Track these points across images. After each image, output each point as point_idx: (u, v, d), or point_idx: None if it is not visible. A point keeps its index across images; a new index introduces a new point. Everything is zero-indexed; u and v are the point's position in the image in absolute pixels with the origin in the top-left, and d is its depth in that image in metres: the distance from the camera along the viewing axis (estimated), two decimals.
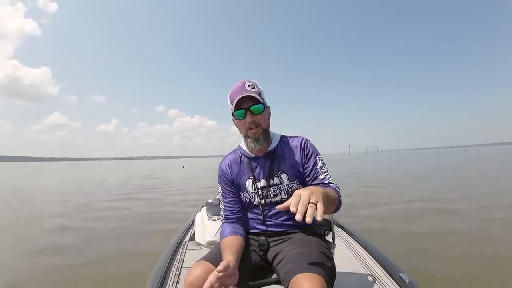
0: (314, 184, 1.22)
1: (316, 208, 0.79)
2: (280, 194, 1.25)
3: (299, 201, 0.81)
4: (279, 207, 0.84)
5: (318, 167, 1.25)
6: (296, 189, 1.23)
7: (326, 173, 1.24)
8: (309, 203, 0.80)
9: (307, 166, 1.25)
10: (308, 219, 0.76)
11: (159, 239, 3.94)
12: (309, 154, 1.27)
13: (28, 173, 32.43)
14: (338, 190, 1.19)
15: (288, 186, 1.24)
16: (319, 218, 0.78)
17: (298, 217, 0.76)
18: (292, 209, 0.79)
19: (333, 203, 1.08)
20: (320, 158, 1.28)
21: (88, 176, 22.50)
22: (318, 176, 1.23)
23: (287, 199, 1.19)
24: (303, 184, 1.26)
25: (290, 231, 1.25)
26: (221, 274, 0.87)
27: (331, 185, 1.21)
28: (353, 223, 3.14)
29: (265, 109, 1.24)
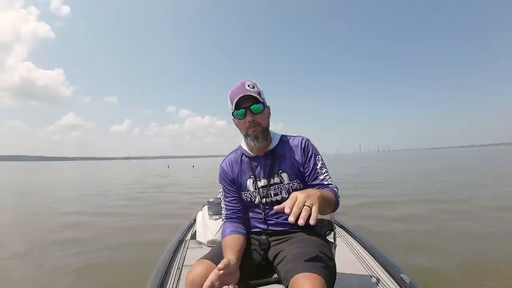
0: (314, 184, 1.23)
1: (311, 211, 0.81)
2: (281, 193, 1.25)
3: (295, 203, 0.83)
4: (276, 208, 0.87)
5: (318, 167, 1.26)
6: (297, 188, 1.24)
7: (325, 174, 1.25)
8: (304, 206, 0.82)
9: (307, 166, 1.26)
10: (301, 222, 0.78)
11: (168, 229, 4.35)
12: (310, 154, 1.27)
13: (47, 172, 34.27)
14: (336, 191, 1.21)
15: (289, 185, 1.25)
16: (312, 222, 0.79)
17: (291, 219, 0.79)
18: (286, 210, 0.81)
19: (330, 205, 1.11)
20: (320, 158, 1.29)
21: (103, 174, 24.84)
22: (318, 176, 1.24)
23: (288, 198, 1.20)
24: (304, 183, 1.26)
25: (291, 230, 1.25)
26: (221, 272, 0.88)
27: (329, 186, 1.22)
28: (355, 224, 3.14)
29: (265, 108, 1.25)
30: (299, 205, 0.82)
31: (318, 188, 1.22)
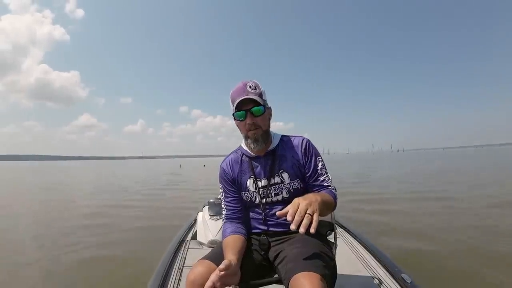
0: (314, 185, 1.24)
1: (312, 219, 0.86)
2: (282, 193, 1.25)
3: (296, 210, 0.87)
4: (278, 213, 0.92)
5: (318, 168, 1.26)
6: (297, 187, 1.25)
7: (325, 175, 1.26)
8: (306, 213, 0.87)
9: (307, 166, 1.26)
10: (302, 230, 0.83)
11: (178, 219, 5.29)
12: (310, 155, 1.28)
13: (66, 170, 36.61)
14: (335, 193, 1.23)
15: (289, 185, 1.25)
16: (312, 230, 0.84)
17: (293, 227, 0.84)
18: (289, 218, 0.85)
19: (329, 208, 1.14)
20: (320, 159, 1.29)
21: (119, 173, 26.97)
22: (318, 177, 1.25)
23: (288, 197, 1.21)
24: (304, 182, 1.27)
25: (291, 230, 1.26)
26: (223, 273, 0.88)
27: (329, 187, 1.23)
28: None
29: (266, 110, 1.25)
30: (301, 213, 0.86)
31: (318, 190, 1.23)
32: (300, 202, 0.90)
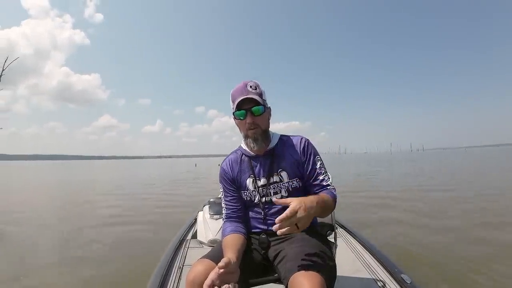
0: (313, 185, 1.25)
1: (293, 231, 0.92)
2: (280, 192, 1.26)
3: (289, 218, 0.90)
4: (276, 200, 0.98)
5: (317, 167, 1.27)
6: (296, 186, 1.26)
7: (324, 174, 1.27)
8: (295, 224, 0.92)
9: (306, 165, 1.27)
10: (278, 233, 0.89)
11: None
12: (309, 154, 1.28)
13: (89, 169, 38.79)
14: (334, 193, 1.23)
15: (288, 184, 1.26)
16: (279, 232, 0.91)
17: (274, 230, 0.90)
18: (277, 221, 0.89)
19: (328, 210, 1.15)
20: (319, 158, 1.30)
21: (141, 171, 28.85)
22: (317, 177, 1.26)
23: (287, 196, 1.22)
24: (303, 181, 1.27)
25: None
26: (222, 271, 0.89)
27: (328, 187, 1.24)
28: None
29: (266, 110, 1.26)
30: (292, 223, 0.90)
31: (318, 190, 1.24)
32: (298, 213, 0.91)
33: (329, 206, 1.15)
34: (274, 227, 0.90)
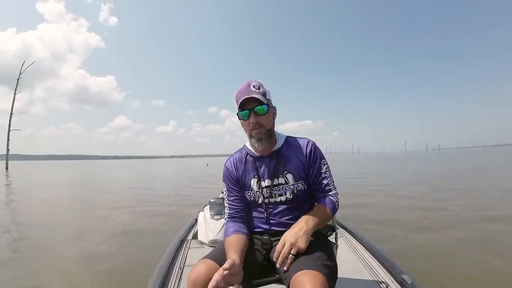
0: (316, 189, 1.27)
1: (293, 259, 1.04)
2: (285, 194, 1.25)
3: (281, 252, 1.06)
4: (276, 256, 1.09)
5: (322, 171, 1.27)
6: (301, 189, 1.25)
7: (329, 178, 1.27)
8: (290, 253, 1.04)
9: (312, 169, 1.27)
10: (285, 268, 1.03)
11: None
12: (315, 157, 1.28)
13: (108, 169, 39.37)
14: (334, 200, 1.25)
15: (294, 186, 1.25)
16: (285, 268, 1.04)
17: (278, 266, 1.06)
18: (274, 258, 1.09)
19: (326, 221, 1.23)
20: (324, 162, 1.30)
21: (156, 170, 29.45)
22: (321, 181, 1.26)
23: (292, 198, 1.24)
24: (308, 184, 1.27)
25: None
26: (226, 272, 0.89)
27: (329, 194, 1.25)
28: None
29: (270, 110, 1.25)
30: (284, 255, 1.04)
31: (320, 194, 1.26)
32: (285, 243, 1.06)
33: (325, 219, 1.20)
34: (277, 265, 1.05)
